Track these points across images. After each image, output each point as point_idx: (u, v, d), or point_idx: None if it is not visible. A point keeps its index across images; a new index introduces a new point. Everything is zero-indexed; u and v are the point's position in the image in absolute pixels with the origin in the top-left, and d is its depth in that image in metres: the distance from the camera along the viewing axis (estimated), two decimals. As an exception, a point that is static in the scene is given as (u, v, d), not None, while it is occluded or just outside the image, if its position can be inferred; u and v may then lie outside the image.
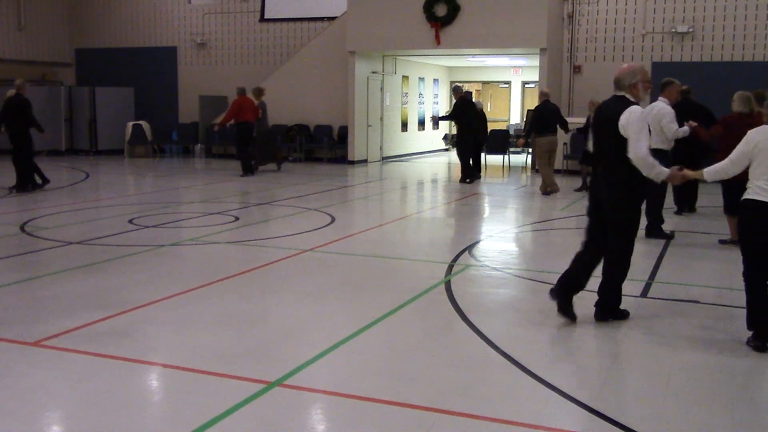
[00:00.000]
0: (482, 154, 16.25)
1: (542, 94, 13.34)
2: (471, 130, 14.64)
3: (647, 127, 5.28)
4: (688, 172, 5.33)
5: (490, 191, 13.99)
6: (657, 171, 5.17)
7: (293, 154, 19.21)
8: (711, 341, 5.07)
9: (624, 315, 5.52)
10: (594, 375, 4.43)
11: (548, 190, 12.86)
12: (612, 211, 5.32)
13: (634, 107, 5.25)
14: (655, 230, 8.71)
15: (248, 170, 15.51)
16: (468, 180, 14.63)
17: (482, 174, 16.30)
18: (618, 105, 5.28)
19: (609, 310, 5.48)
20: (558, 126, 13.02)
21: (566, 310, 5.41)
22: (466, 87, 24.59)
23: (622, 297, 5.55)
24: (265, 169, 16.36)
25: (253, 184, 14.24)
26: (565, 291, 5.44)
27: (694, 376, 4.42)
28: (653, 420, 3.78)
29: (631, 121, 5.17)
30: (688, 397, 4.10)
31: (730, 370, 4.56)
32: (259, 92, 16.13)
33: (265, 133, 16.22)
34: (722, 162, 5.17)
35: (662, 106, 8.40)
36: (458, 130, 15.15)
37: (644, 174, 5.18)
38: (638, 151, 5.12)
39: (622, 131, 5.20)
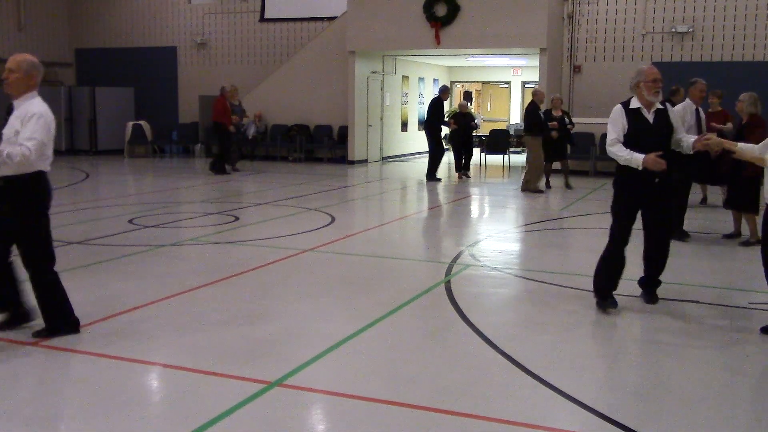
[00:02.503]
0: (477, 154, 16.29)
1: (532, 94, 13.71)
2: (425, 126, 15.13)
3: (619, 122, 5.47)
4: (725, 142, 5.40)
5: (490, 191, 14.00)
6: (627, 158, 5.36)
7: (293, 154, 19.22)
8: (711, 341, 5.07)
9: (606, 302, 5.69)
10: (594, 375, 4.43)
11: (530, 188, 13.07)
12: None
13: (615, 107, 5.59)
14: (676, 231, 8.59)
15: (221, 170, 15.67)
16: (427, 179, 14.92)
17: (481, 174, 16.30)
18: None
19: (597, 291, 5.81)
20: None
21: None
22: (465, 87, 24.69)
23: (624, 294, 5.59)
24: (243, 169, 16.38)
25: (252, 184, 14.24)
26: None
27: (694, 376, 4.42)
28: (653, 420, 3.78)
29: (609, 120, 5.55)
30: (688, 397, 4.10)
31: (731, 369, 4.56)
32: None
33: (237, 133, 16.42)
34: (759, 146, 5.16)
35: (675, 108, 8.29)
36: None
37: (621, 163, 5.43)
38: (607, 145, 5.51)
39: None
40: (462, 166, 15.60)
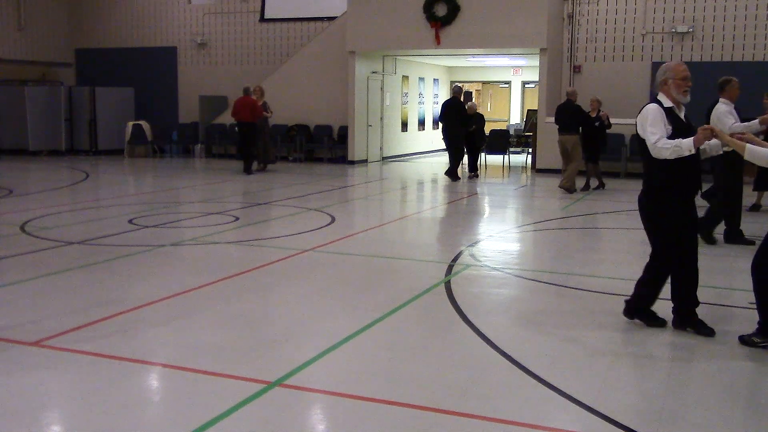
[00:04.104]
0: (480, 155, 16.31)
1: (566, 93, 13.51)
2: (446, 129, 15.05)
3: (661, 121, 4.96)
4: (725, 134, 4.89)
5: (490, 191, 14.00)
6: (678, 146, 4.84)
7: (293, 153, 19.22)
8: (711, 341, 5.06)
9: (656, 321, 5.32)
10: (594, 375, 4.43)
11: (565, 184, 12.96)
12: (647, 216, 5.25)
13: (648, 106, 5.11)
14: (733, 236, 8.45)
15: (247, 170, 15.62)
16: (451, 179, 14.97)
17: (481, 174, 16.30)
18: (643, 107, 5.17)
19: (635, 310, 5.39)
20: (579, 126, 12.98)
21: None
22: (466, 87, 24.75)
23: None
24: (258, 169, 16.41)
25: (253, 184, 14.24)
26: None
27: (694, 376, 4.42)
28: (653, 420, 3.78)
29: (642, 118, 5.05)
30: (689, 397, 4.10)
31: (731, 369, 4.56)
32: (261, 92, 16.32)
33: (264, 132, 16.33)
34: None
35: (716, 107, 8.04)
36: None
37: (670, 157, 4.87)
38: (651, 145, 4.93)
39: (640, 133, 5.10)
40: (473, 167, 15.67)
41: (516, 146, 19.49)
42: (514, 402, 3.99)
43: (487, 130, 17.17)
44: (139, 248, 7.92)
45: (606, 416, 3.80)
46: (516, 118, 23.38)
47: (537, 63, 16.60)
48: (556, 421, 3.79)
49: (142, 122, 20.24)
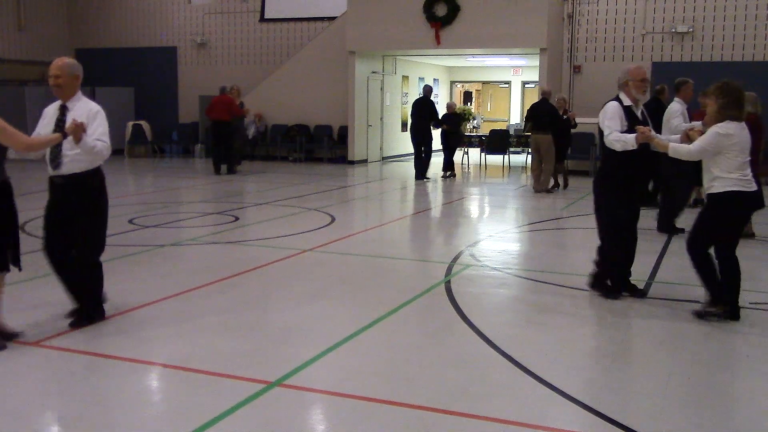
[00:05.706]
0: (458, 153, 16.29)
1: (541, 92, 13.49)
2: (416, 127, 15.09)
3: (618, 117, 5.66)
4: (655, 137, 5.59)
5: (490, 191, 13.99)
6: (624, 141, 5.56)
7: (293, 154, 19.22)
8: (711, 341, 5.07)
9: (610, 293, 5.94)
10: (594, 375, 4.43)
11: (543, 187, 12.96)
12: (596, 200, 6.02)
13: (609, 103, 5.80)
14: (667, 224, 8.86)
15: (230, 170, 15.79)
16: (417, 178, 15.03)
17: (481, 174, 16.30)
18: (605, 103, 5.86)
19: (603, 285, 6.04)
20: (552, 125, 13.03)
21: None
22: (465, 87, 24.75)
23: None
24: (243, 170, 16.46)
25: (252, 184, 14.24)
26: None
27: (694, 376, 4.42)
28: (653, 420, 3.78)
29: (603, 114, 5.73)
30: (688, 397, 4.10)
31: (731, 369, 4.56)
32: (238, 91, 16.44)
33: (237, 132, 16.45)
34: (691, 145, 5.38)
35: (670, 106, 8.58)
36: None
37: (619, 149, 5.57)
38: (607, 136, 5.65)
39: (600, 125, 5.80)
40: (446, 167, 15.67)
41: (516, 146, 19.45)
42: (514, 402, 3.99)
43: (486, 129, 17.14)
44: (139, 248, 7.92)
45: (606, 416, 3.80)
46: (516, 118, 23.37)
47: (537, 63, 16.60)
48: (556, 421, 3.79)
49: (142, 122, 20.23)
